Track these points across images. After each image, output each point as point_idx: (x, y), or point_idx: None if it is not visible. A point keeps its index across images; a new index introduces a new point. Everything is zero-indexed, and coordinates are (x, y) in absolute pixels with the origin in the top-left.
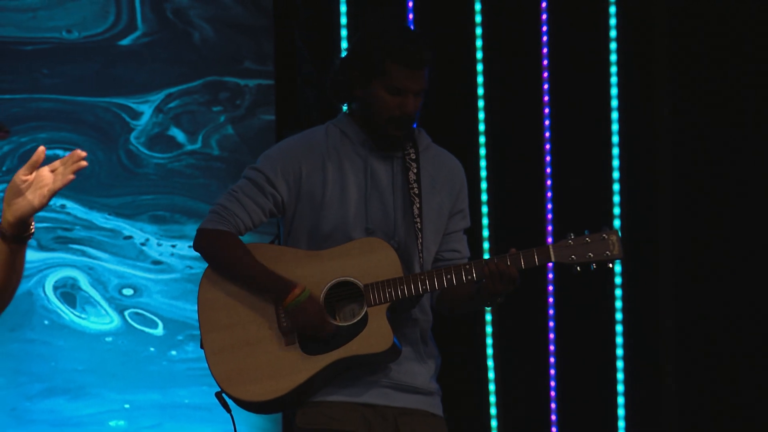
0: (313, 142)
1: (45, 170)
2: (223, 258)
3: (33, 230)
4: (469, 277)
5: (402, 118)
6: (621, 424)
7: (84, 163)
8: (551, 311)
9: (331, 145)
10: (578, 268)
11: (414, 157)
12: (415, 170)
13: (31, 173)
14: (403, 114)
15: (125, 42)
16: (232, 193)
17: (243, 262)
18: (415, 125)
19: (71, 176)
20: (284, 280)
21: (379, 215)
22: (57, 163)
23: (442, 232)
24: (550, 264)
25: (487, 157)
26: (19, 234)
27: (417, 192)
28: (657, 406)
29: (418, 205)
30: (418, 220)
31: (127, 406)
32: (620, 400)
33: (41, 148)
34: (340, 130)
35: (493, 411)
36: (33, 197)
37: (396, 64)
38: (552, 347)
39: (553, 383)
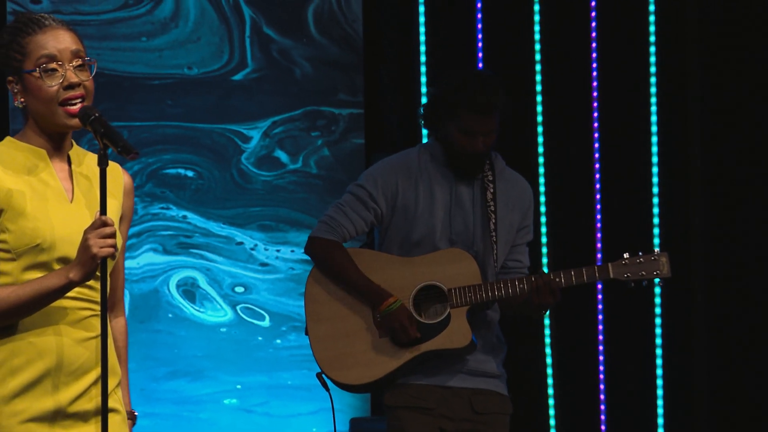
0: (408, 163)
1: None
2: (330, 264)
3: None
4: (539, 283)
5: (472, 155)
6: (659, 402)
7: None
8: (600, 316)
9: (422, 166)
10: (632, 284)
11: (491, 179)
12: (491, 190)
13: None
14: (474, 152)
15: (237, 77)
16: (339, 206)
17: (347, 269)
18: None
19: None
20: (380, 289)
21: (461, 228)
22: None
23: (510, 244)
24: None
25: (546, 179)
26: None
27: (493, 209)
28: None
29: (494, 221)
30: (494, 234)
31: (238, 386)
32: (659, 391)
33: None
34: (430, 153)
35: (550, 391)
36: None
37: (466, 110)
38: (600, 347)
39: (602, 376)
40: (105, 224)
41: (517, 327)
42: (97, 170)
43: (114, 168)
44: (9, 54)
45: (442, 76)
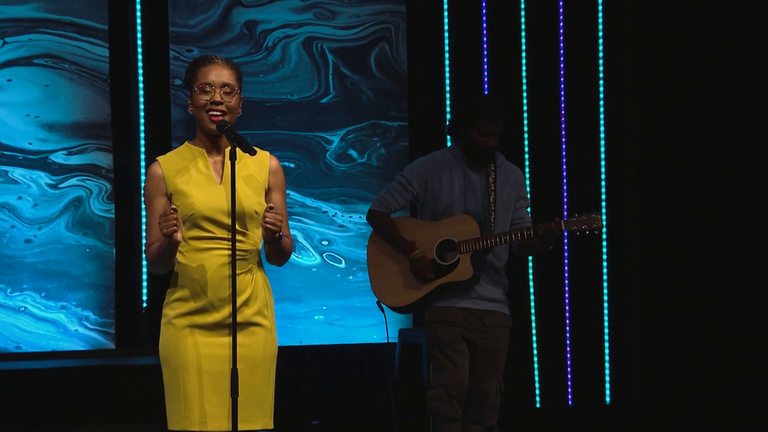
0: (435, 160)
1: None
2: (380, 227)
3: (280, 235)
4: (516, 237)
5: (488, 150)
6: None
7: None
8: (566, 273)
9: (446, 162)
10: (578, 233)
11: (493, 169)
12: (493, 177)
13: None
14: (488, 148)
15: (324, 101)
16: (388, 188)
17: (390, 230)
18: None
19: None
20: (411, 244)
21: (472, 203)
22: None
23: (511, 210)
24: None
25: (529, 167)
26: (271, 240)
27: (493, 189)
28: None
29: (493, 197)
30: (492, 206)
31: (324, 307)
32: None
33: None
34: (451, 153)
35: (532, 316)
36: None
37: (484, 118)
38: (566, 289)
39: (567, 308)
40: (170, 213)
41: (510, 270)
42: (246, 163)
43: (263, 156)
44: (190, 78)
45: (462, 99)
